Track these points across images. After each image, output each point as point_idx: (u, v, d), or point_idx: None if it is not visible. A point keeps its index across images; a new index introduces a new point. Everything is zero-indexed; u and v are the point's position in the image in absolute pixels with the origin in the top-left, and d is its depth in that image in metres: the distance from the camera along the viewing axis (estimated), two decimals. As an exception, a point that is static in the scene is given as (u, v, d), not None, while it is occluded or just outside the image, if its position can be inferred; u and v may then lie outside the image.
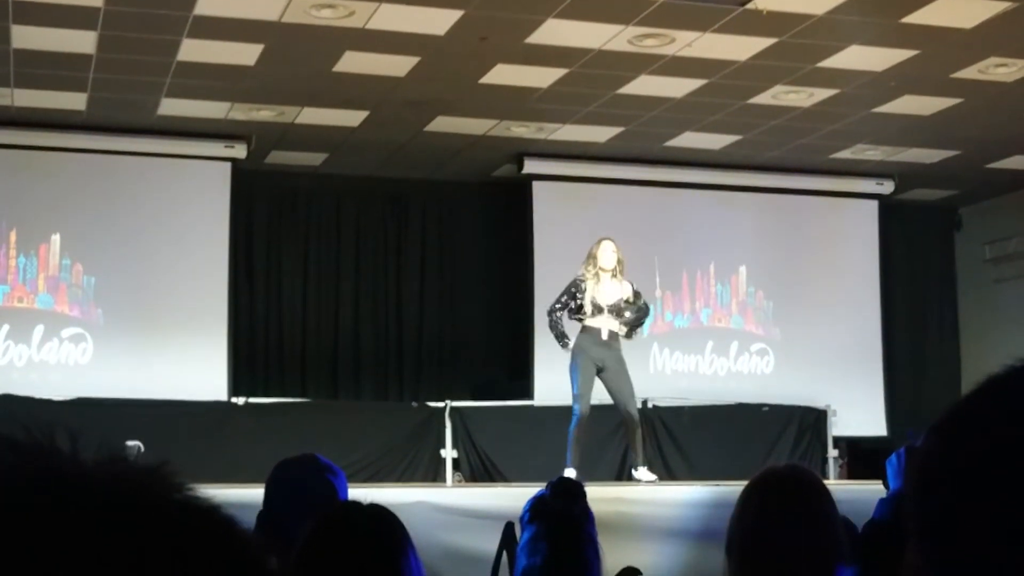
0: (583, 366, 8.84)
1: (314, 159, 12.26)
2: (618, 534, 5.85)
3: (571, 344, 9.00)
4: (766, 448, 11.55)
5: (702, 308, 12.82)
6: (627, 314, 8.94)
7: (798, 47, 9.22)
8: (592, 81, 9.99)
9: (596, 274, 8.89)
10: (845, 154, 12.34)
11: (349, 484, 3.54)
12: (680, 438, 11.47)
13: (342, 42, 9.09)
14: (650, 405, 11.17)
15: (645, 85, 10.10)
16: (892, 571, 2.89)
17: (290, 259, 12.73)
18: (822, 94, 10.38)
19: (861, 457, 12.37)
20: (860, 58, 9.50)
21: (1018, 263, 13.48)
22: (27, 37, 8.94)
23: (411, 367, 12.83)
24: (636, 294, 9.01)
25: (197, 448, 9.85)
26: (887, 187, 13.23)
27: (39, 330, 11.10)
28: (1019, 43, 9.21)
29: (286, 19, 8.63)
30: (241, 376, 11.82)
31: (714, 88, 10.16)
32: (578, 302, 8.96)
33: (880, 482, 3.60)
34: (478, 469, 10.81)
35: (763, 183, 12.88)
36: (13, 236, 11.14)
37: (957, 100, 10.53)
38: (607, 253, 8.92)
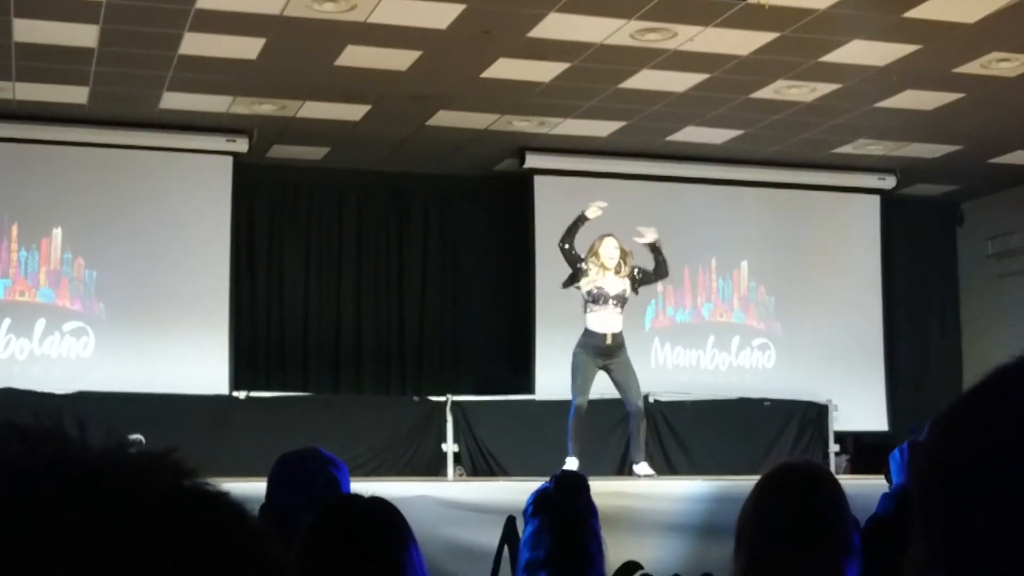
0: (584, 364, 8.82)
1: (316, 153, 12.26)
2: (620, 528, 5.85)
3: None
4: (767, 443, 11.55)
5: (704, 303, 12.82)
6: (624, 309, 8.92)
7: (800, 42, 9.22)
8: (594, 75, 9.98)
9: (600, 266, 8.88)
10: (847, 149, 12.34)
11: (351, 478, 3.54)
12: (681, 433, 11.47)
13: (344, 36, 9.09)
14: (651, 400, 11.15)
15: (647, 79, 10.10)
16: (895, 566, 2.89)
17: (292, 253, 12.73)
18: (824, 89, 10.37)
19: (862, 452, 12.37)
20: (862, 53, 9.50)
21: (1020, 258, 13.47)
22: (29, 31, 8.93)
23: (413, 361, 12.84)
24: (642, 275, 8.98)
25: (198, 442, 9.84)
26: (889, 182, 13.22)
27: (41, 324, 11.10)
28: (1021, 38, 9.21)
29: (288, 13, 8.63)
30: (243, 370, 11.82)
31: (716, 83, 10.16)
32: (583, 271, 8.89)
33: (881, 477, 3.60)
34: (479, 463, 10.81)
35: (765, 178, 12.88)
36: (15, 230, 11.15)
37: (959, 95, 10.52)
38: (609, 250, 8.90)
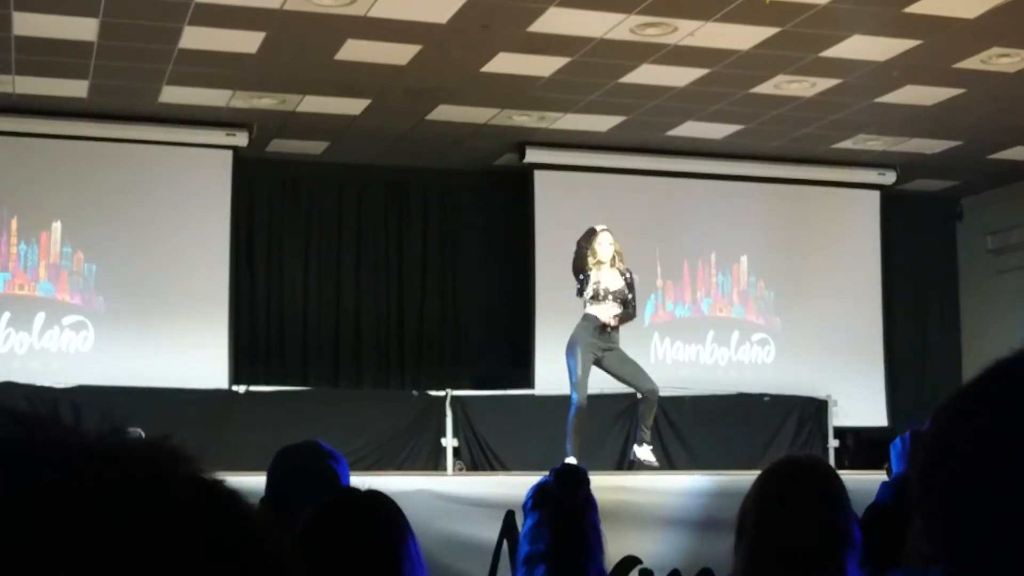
0: (581, 354, 8.81)
1: (316, 147, 12.26)
2: (619, 522, 5.85)
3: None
4: (767, 438, 11.56)
5: (703, 298, 12.82)
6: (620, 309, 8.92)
7: (800, 36, 9.21)
8: (594, 70, 9.98)
9: (597, 263, 8.87)
10: (847, 144, 12.33)
11: (350, 472, 3.54)
12: (681, 428, 11.47)
13: (344, 30, 9.08)
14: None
15: (647, 74, 10.09)
16: (894, 552, 2.90)
17: (291, 248, 12.73)
18: (824, 84, 10.36)
19: (861, 447, 12.38)
20: (862, 48, 9.49)
21: (1019, 254, 13.47)
22: (28, 24, 8.93)
23: (412, 355, 12.84)
24: (629, 285, 8.95)
25: (198, 436, 9.84)
26: (889, 177, 13.22)
27: (40, 318, 11.10)
28: (1022, 33, 9.20)
29: (288, 7, 8.62)
30: (242, 364, 11.82)
31: (716, 77, 10.15)
32: (585, 282, 8.92)
33: (879, 471, 3.61)
34: (479, 458, 10.82)
35: (765, 173, 12.87)
36: (14, 223, 11.14)
37: (959, 90, 10.52)
38: (604, 246, 8.89)
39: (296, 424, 9.51)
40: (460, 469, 10.61)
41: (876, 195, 13.39)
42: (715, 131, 11.82)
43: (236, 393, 11.01)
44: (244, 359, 11.96)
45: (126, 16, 8.74)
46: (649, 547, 6.55)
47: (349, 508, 2.68)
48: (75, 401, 0.71)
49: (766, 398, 11.97)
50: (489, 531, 6.37)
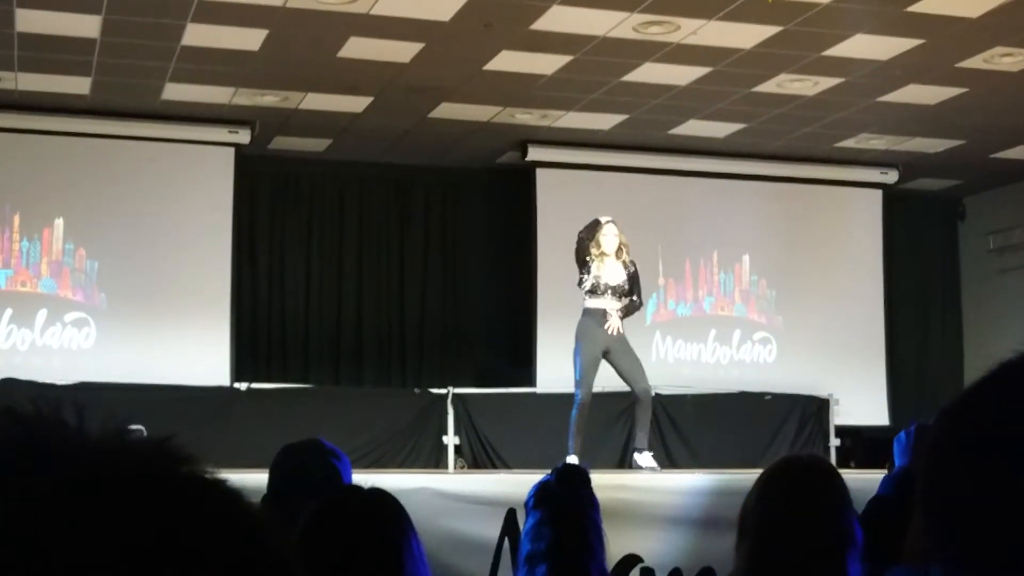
0: (586, 350, 8.79)
1: (318, 145, 12.26)
2: (620, 521, 5.85)
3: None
4: (768, 437, 11.56)
5: (705, 296, 12.81)
6: (624, 301, 8.91)
7: (803, 35, 9.21)
8: (597, 68, 9.97)
9: (600, 255, 8.85)
10: (849, 143, 12.33)
11: (351, 472, 3.54)
12: (682, 426, 11.47)
13: (346, 27, 9.08)
14: (652, 393, 11.16)
15: (650, 72, 10.09)
16: (894, 545, 2.90)
17: (293, 245, 12.73)
18: (827, 83, 10.36)
19: (860, 447, 12.36)
20: (865, 47, 9.49)
21: (1021, 253, 13.47)
22: (31, 21, 8.93)
23: (414, 353, 12.84)
24: (632, 278, 8.94)
25: (199, 433, 9.83)
26: (891, 176, 13.21)
27: (42, 314, 11.10)
28: (1025, 32, 9.20)
29: (291, 4, 8.62)
30: (244, 361, 11.82)
31: (719, 76, 10.15)
32: (586, 276, 8.90)
33: (879, 471, 3.61)
34: (480, 456, 10.82)
35: (767, 172, 12.87)
36: (16, 220, 11.15)
37: (962, 89, 10.51)
38: (608, 237, 8.87)
39: (297, 422, 9.51)
40: (461, 467, 10.61)
41: (878, 194, 13.38)
42: (717, 130, 11.82)
43: (237, 390, 11.01)
44: (246, 356, 11.96)
45: (129, 13, 8.73)
46: (650, 546, 6.55)
47: (352, 506, 2.68)
48: (78, 401, 0.71)
49: (767, 397, 11.96)
50: (490, 529, 6.37)
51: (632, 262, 8.94)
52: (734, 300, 12.89)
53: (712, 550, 6.34)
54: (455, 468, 10.57)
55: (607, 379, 10.80)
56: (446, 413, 10.81)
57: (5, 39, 9.27)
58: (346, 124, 11.50)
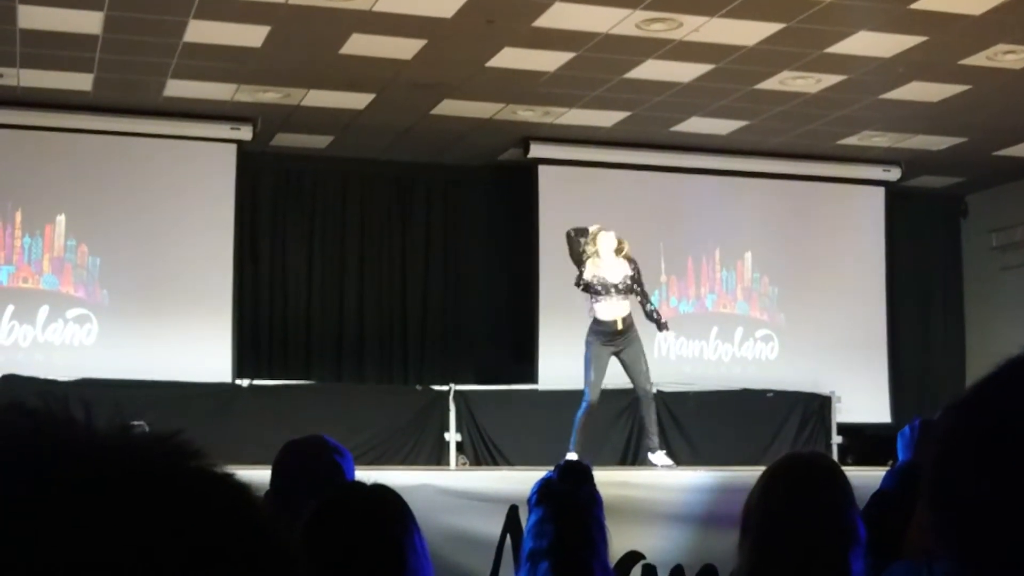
0: (596, 355, 8.80)
1: (320, 141, 12.25)
2: (622, 518, 5.85)
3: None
4: (770, 434, 11.55)
5: (707, 294, 12.81)
6: (629, 297, 8.92)
7: (806, 32, 9.20)
8: (599, 65, 9.97)
9: (596, 253, 8.86)
10: (852, 140, 12.32)
11: (354, 468, 3.54)
12: (684, 423, 11.47)
13: (348, 24, 9.08)
14: (655, 390, 11.16)
15: (652, 70, 10.08)
16: (897, 539, 2.89)
17: (295, 242, 12.73)
18: (830, 80, 10.35)
19: (860, 446, 12.35)
20: (868, 44, 9.48)
21: (1024, 251, 13.47)
22: (33, 17, 8.92)
23: (415, 350, 12.84)
24: (637, 272, 8.94)
25: (201, 430, 9.80)
26: (894, 174, 13.20)
27: (44, 311, 11.11)
28: (1028, 30, 9.19)
29: (293, 1, 8.61)
30: (246, 358, 11.83)
31: (721, 73, 10.14)
32: (584, 277, 8.90)
33: (877, 467, 3.61)
34: (482, 453, 10.82)
35: (769, 169, 12.86)
36: (18, 216, 11.15)
37: (965, 87, 10.51)
38: (607, 239, 8.89)
39: (299, 418, 9.52)
40: (463, 464, 10.61)
41: (881, 191, 13.38)
42: (720, 127, 11.81)
43: (239, 387, 11.02)
44: (248, 353, 11.97)
45: (131, 9, 8.73)
46: (652, 543, 6.55)
47: (355, 502, 2.68)
48: (85, 396, 0.71)
49: (769, 394, 11.96)
50: (492, 526, 6.37)
51: (633, 259, 8.96)
52: (736, 297, 12.89)
53: (714, 547, 6.34)
54: (457, 465, 10.57)
55: (610, 376, 10.81)
56: (448, 410, 10.81)
57: (7, 35, 9.26)
58: (348, 121, 11.50)
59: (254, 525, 0.68)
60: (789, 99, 10.89)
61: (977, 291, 14.15)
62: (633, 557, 6.47)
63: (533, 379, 11.91)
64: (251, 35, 9.28)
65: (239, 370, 11.45)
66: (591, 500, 3.61)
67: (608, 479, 5.50)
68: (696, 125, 11.75)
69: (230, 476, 0.69)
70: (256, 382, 11.14)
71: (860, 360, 12.88)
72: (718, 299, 12.81)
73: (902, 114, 11.32)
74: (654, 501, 6.77)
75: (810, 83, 10.45)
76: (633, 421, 10.95)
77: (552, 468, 3.79)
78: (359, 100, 10.91)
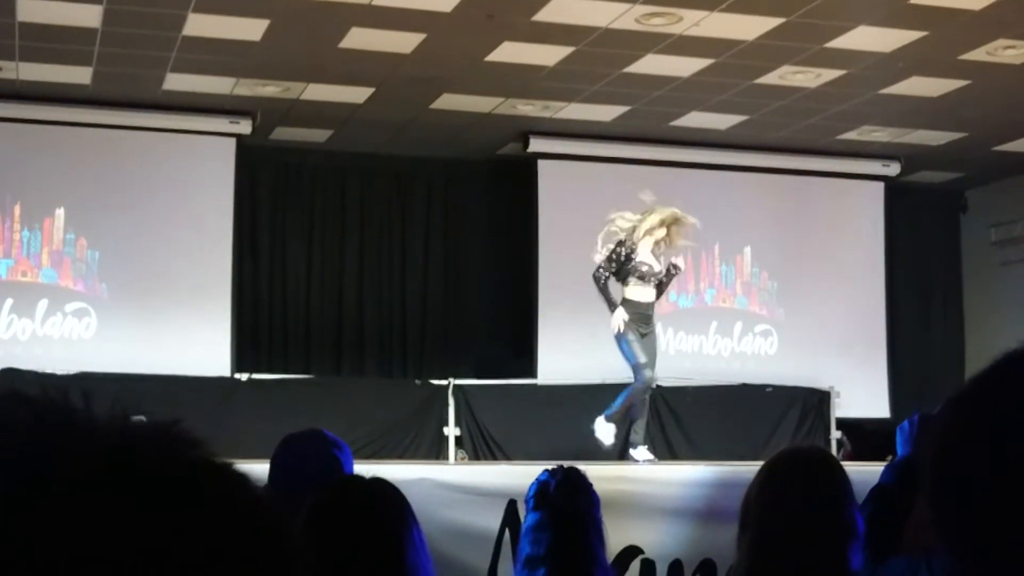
0: (638, 339, 8.66)
1: (319, 135, 12.25)
2: (620, 513, 5.85)
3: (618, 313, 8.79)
4: (769, 429, 11.55)
5: (706, 288, 12.81)
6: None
7: (806, 27, 9.19)
8: (599, 60, 9.96)
9: (650, 231, 8.71)
10: (851, 135, 12.32)
11: (353, 462, 3.54)
12: (683, 418, 11.47)
13: (348, 18, 9.07)
14: (653, 385, 11.17)
15: (652, 64, 10.08)
16: (896, 533, 2.89)
17: (294, 236, 12.73)
18: (829, 75, 10.35)
19: (858, 442, 12.34)
20: (868, 39, 9.47)
21: (1023, 246, 13.46)
22: (32, 10, 8.92)
23: (415, 344, 12.85)
24: (668, 272, 8.93)
25: (200, 424, 9.64)
26: (893, 169, 13.20)
27: (43, 304, 11.10)
28: (1028, 25, 9.18)
29: (292, -6, 8.61)
30: (245, 352, 11.83)
31: (721, 68, 10.13)
32: (628, 263, 8.72)
33: (878, 463, 3.61)
34: (481, 447, 10.82)
35: (769, 163, 12.86)
36: (17, 210, 11.14)
37: (965, 82, 10.50)
38: (682, 238, 8.80)
39: (298, 412, 9.51)
40: (462, 459, 10.61)
41: (880, 187, 13.37)
42: (719, 121, 11.81)
43: (238, 381, 11.02)
44: (247, 347, 11.97)
45: (130, 3, 8.72)
46: (650, 537, 6.55)
47: (354, 495, 2.68)
48: (84, 387, 0.71)
49: (768, 389, 11.96)
50: (491, 520, 6.37)
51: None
52: (735, 292, 12.89)
53: (713, 542, 6.34)
54: (456, 459, 10.57)
55: (607, 372, 10.81)
56: (447, 404, 10.81)
57: (6, 28, 9.25)
58: (347, 115, 11.49)
59: (255, 515, 0.68)
60: (789, 94, 10.88)
61: (976, 286, 14.15)
62: (631, 552, 6.47)
63: (532, 373, 11.91)
64: (250, 29, 9.27)
65: (238, 364, 11.46)
66: (588, 510, 3.60)
67: (606, 473, 5.50)
68: (696, 120, 11.75)
69: (230, 466, 0.69)
70: (255, 376, 11.14)
71: (859, 355, 12.89)
72: (717, 294, 12.81)
73: (902, 109, 11.32)
74: (652, 496, 6.77)
75: (810, 78, 10.44)
76: (631, 412, 10.94)
77: (546, 470, 3.77)
78: (358, 94, 10.90)
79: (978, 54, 9.79)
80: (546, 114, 11.58)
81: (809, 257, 13.03)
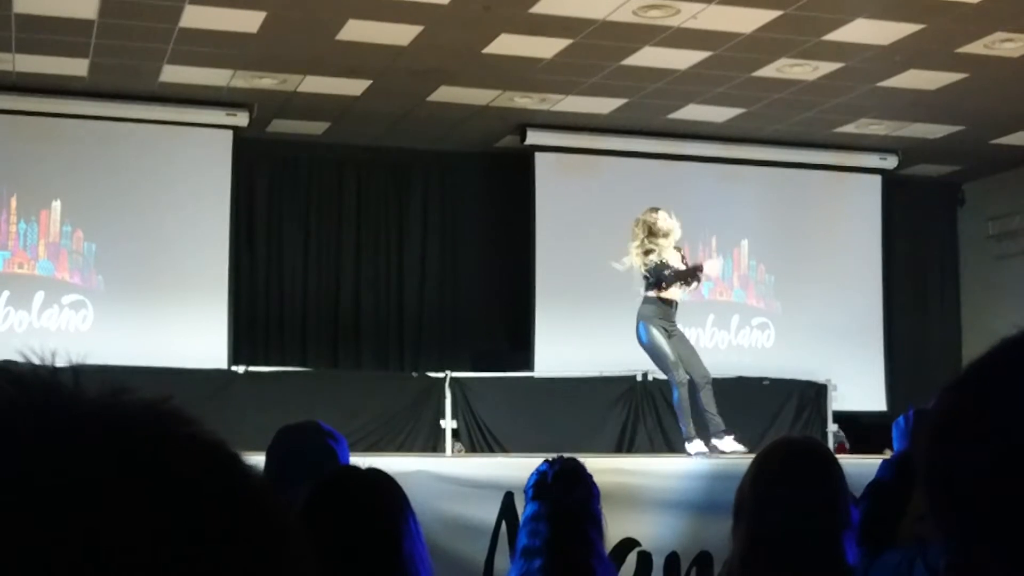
0: (658, 336, 8.38)
1: (316, 128, 12.23)
2: (617, 505, 5.85)
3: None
4: (766, 422, 11.54)
5: (704, 281, 12.79)
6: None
7: (803, 20, 9.18)
8: (596, 52, 9.95)
9: (666, 236, 8.66)
10: (849, 128, 12.31)
11: (349, 453, 3.54)
12: (680, 411, 11.45)
13: (345, 10, 9.05)
14: (650, 377, 11.16)
15: (649, 56, 10.07)
16: (892, 528, 2.89)
17: (291, 228, 12.72)
18: (827, 67, 10.34)
19: (860, 432, 12.35)
20: (866, 31, 9.47)
21: (1021, 239, 13.46)
22: (29, 2, 8.90)
23: (411, 337, 12.84)
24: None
25: (197, 416, 9.82)
26: (891, 162, 13.20)
27: (39, 296, 11.10)
28: (1026, 18, 9.18)
29: (289, -14, 8.59)
30: (242, 344, 11.83)
31: (718, 60, 10.12)
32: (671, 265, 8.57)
33: (875, 456, 3.61)
34: (478, 439, 10.81)
35: (766, 156, 12.86)
36: (14, 202, 11.13)
37: (962, 75, 10.49)
38: (667, 221, 8.72)
39: (295, 405, 9.50)
40: (459, 451, 10.61)
41: (878, 180, 13.37)
42: (717, 114, 11.80)
43: (235, 373, 11.01)
44: (244, 339, 11.97)
45: (127, -6, 8.71)
46: (648, 529, 6.56)
47: (350, 485, 2.68)
48: (73, 361, 0.70)
49: (765, 382, 11.96)
50: (488, 512, 6.37)
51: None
52: (732, 285, 12.89)
53: (709, 534, 6.34)
54: (453, 452, 10.57)
55: (606, 363, 10.81)
56: (444, 397, 10.80)
57: (3, 20, 9.23)
58: (345, 107, 11.48)
59: (245, 493, 0.67)
60: (786, 87, 10.88)
61: (974, 279, 14.16)
62: (628, 544, 6.47)
63: (529, 366, 11.91)
64: (247, 21, 9.25)
65: (235, 356, 11.45)
66: (586, 501, 3.60)
67: (604, 465, 5.50)
68: (693, 112, 11.74)
69: (222, 443, 0.69)
70: (252, 368, 11.13)
71: (856, 348, 12.89)
72: (714, 287, 12.80)
73: (899, 102, 11.31)
74: (650, 488, 6.78)
75: (807, 71, 10.44)
76: (629, 408, 10.96)
77: (546, 460, 3.78)
78: (356, 86, 10.89)
79: (976, 47, 9.78)
80: (543, 106, 11.57)
81: (806, 250, 13.04)
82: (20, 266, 11.13)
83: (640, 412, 10.92)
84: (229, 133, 11.67)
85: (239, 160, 11.82)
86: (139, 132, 11.38)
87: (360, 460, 3.14)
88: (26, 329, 11.02)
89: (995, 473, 0.90)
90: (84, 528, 0.60)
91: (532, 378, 11.64)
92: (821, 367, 12.30)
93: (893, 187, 13.53)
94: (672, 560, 6.55)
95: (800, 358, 12.53)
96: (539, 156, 12.41)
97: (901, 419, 3.34)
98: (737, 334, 12.79)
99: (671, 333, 8.50)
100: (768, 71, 10.43)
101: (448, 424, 10.73)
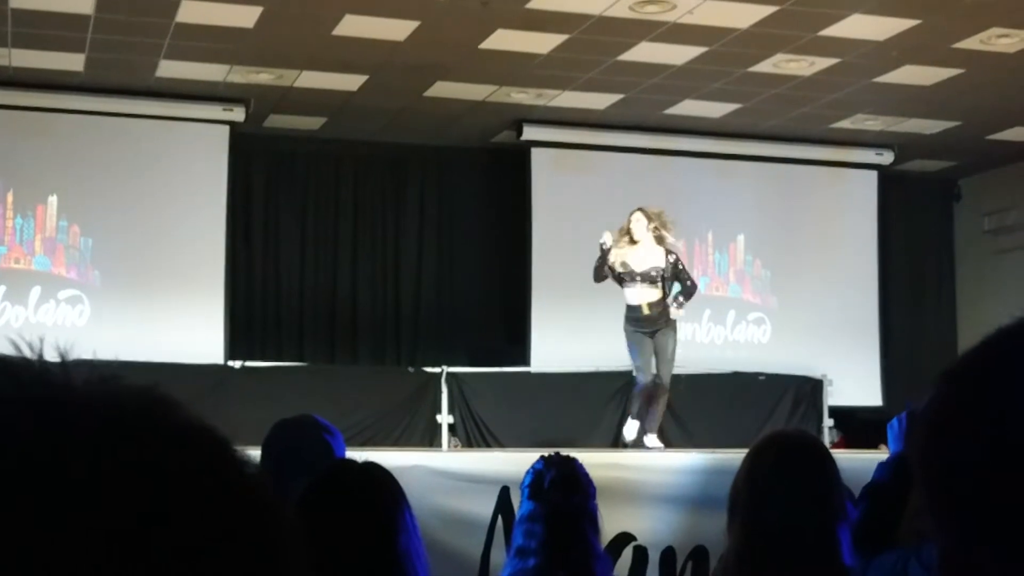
0: (637, 340, 8.90)
1: (313, 123, 12.23)
2: (613, 499, 5.85)
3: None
4: (762, 417, 11.55)
5: (700, 276, 12.78)
6: (675, 291, 8.97)
7: (800, 15, 9.18)
8: (592, 47, 9.95)
9: (628, 240, 8.88)
10: (845, 124, 12.31)
11: (345, 447, 3.54)
12: (676, 406, 11.42)
13: (342, 5, 9.05)
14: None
15: (645, 52, 10.06)
16: (890, 529, 2.90)
17: (288, 223, 12.72)
18: (823, 63, 10.34)
19: (856, 427, 12.35)
20: (862, 27, 9.47)
21: (1017, 235, 13.47)
22: (25, -4, 8.89)
23: (408, 332, 12.85)
24: (675, 266, 8.99)
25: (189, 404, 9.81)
26: (887, 157, 13.21)
27: (36, 291, 11.09)
28: (1021, 13, 9.18)
29: (286, -19, 8.58)
30: (238, 339, 11.82)
31: (715, 56, 10.12)
32: (608, 264, 8.89)
33: (873, 451, 3.61)
34: (474, 434, 10.82)
35: (762, 152, 12.86)
36: (10, 197, 11.12)
37: (958, 70, 10.50)
38: (636, 224, 8.92)
39: (291, 400, 9.49)
40: (455, 446, 10.62)
41: (874, 175, 13.38)
42: (713, 110, 11.80)
43: (232, 368, 11.00)
44: (240, 334, 11.96)
45: (123, -11, 8.70)
46: (643, 524, 6.56)
47: (346, 479, 2.68)
48: (61, 348, 0.70)
49: (761, 377, 11.96)
50: (484, 507, 6.37)
51: (673, 251, 8.99)
52: (729, 280, 12.89)
53: (705, 529, 6.35)
54: (449, 446, 10.57)
55: (601, 360, 10.81)
56: (440, 392, 10.80)
57: (-1, 15, 9.23)
58: (341, 102, 11.47)
59: (237, 480, 0.67)
60: (782, 82, 10.88)
61: (969, 275, 14.16)
62: (624, 538, 6.48)
63: (525, 361, 11.91)
64: (244, 16, 9.25)
65: (231, 352, 11.45)
66: (583, 503, 3.60)
67: (599, 460, 5.50)
68: (689, 108, 11.74)
69: (214, 430, 0.69)
70: (248, 364, 11.13)
71: (852, 343, 12.90)
72: (711, 282, 12.81)
73: (895, 98, 11.32)
74: (645, 483, 6.78)
75: (803, 66, 10.44)
76: (625, 404, 10.95)
77: (541, 457, 3.77)
78: (352, 82, 10.88)
79: (972, 42, 9.79)
80: (540, 102, 11.57)
81: (802, 245, 13.04)
82: (16, 261, 11.13)
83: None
84: (226, 128, 11.66)
85: (236, 155, 11.81)
86: (136, 127, 11.37)
87: (356, 454, 3.14)
88: (22, 324, 11.01)
89: (992, 467, 0.89)
90: (83, 527, 0.61)
91: (528, 373, 11.64)
92: (817, 362, 12.30)
93: (889, 182, 13.53)
94: (668, 554, 6.56)
95: (796, 353, 12.54)
96: (535, 151, 12.40)
97: (895, 421, 3.33)
98: (733, 329, 12.80)
99: (652, 332, 8.73)
100: (764, 67, 10.43)
101: (444, 419, 10.74)
